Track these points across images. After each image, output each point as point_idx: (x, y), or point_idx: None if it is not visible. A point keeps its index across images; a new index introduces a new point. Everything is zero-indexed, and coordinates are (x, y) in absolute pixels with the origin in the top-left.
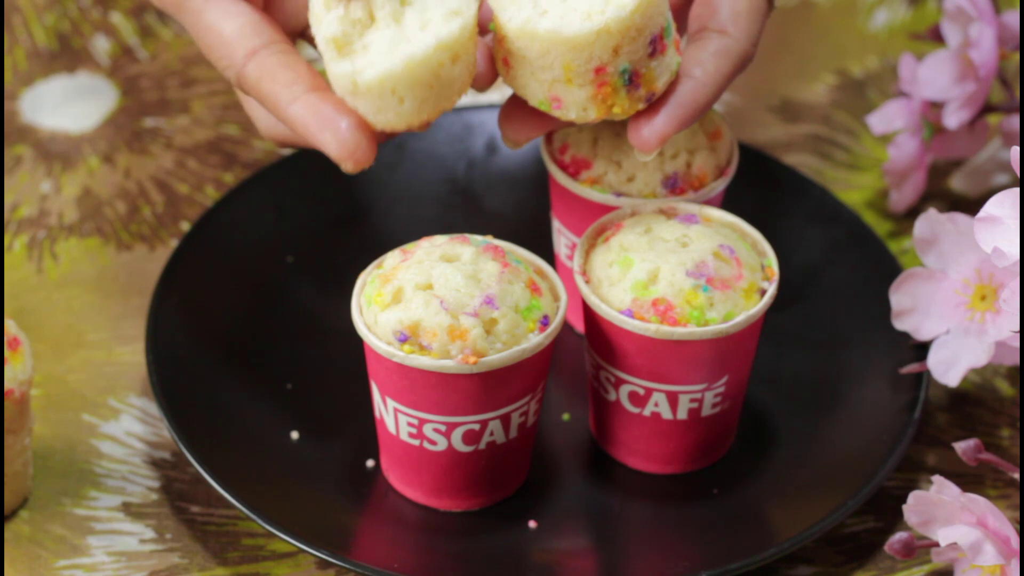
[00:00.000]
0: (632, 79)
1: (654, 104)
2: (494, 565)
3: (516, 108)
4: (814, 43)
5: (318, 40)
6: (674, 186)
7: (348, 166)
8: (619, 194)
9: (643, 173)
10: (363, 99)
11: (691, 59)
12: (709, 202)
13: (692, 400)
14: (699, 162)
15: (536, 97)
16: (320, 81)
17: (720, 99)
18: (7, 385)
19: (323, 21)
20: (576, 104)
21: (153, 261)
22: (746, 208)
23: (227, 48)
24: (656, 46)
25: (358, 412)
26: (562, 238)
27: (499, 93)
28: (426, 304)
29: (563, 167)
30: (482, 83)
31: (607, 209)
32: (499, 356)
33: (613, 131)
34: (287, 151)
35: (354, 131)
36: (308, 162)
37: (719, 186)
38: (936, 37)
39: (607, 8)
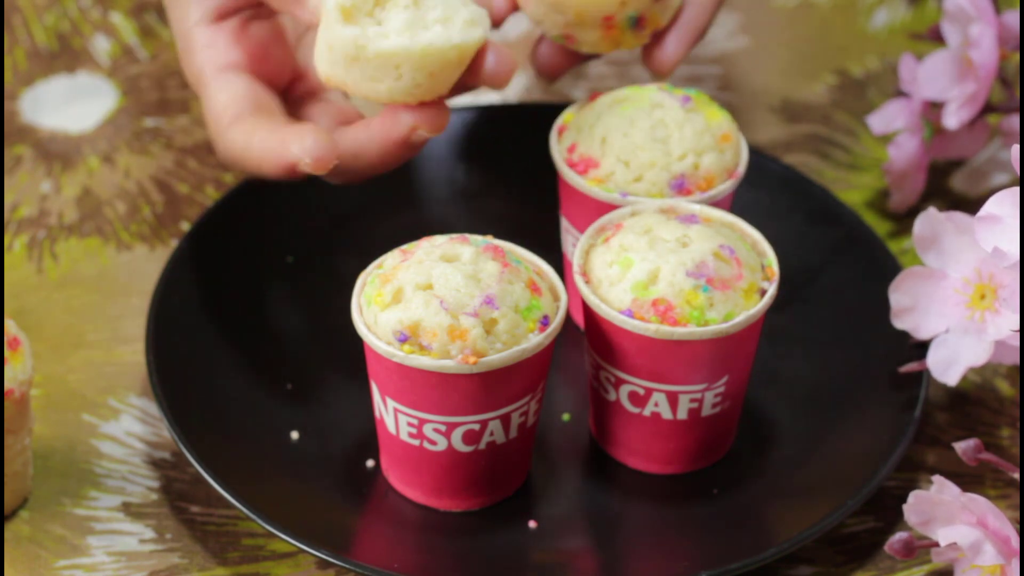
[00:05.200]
0: (638, 23)
1: (662, 33)
2: (494, 565)
3: (545, 47)
4: (814, 43)
5: (327, 5)
6: (681, 187)
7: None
8: (626, 194)
9: (651, 173)
10: (362, 66)
11: None
12: (718, 204)
13: (692, 400)
14: (707, 163)
15: (551, 32)
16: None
17: (720, 99)
18: (7, 385)
19: None
20: (587, 42)
21: (153, 261)
22: (746, 208)
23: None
24: None
25: (358, 412)
26: (569, 237)
27: (499, 93)
28: (426, 304)
29: (571, 165)
30: (497, 18)
31: (614, 208)
32: (499, 356)
33: (621, 131)
34: None
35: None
36: None
37: (727, 188)
38: (936, 37)
39: None
